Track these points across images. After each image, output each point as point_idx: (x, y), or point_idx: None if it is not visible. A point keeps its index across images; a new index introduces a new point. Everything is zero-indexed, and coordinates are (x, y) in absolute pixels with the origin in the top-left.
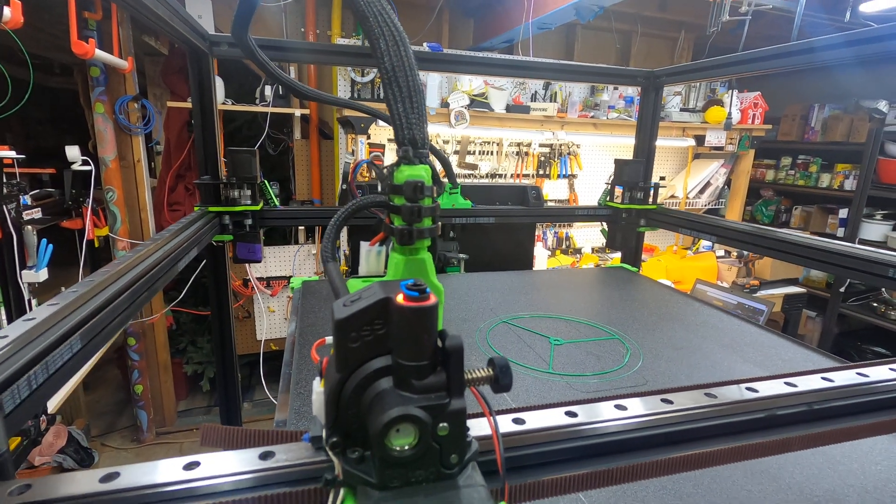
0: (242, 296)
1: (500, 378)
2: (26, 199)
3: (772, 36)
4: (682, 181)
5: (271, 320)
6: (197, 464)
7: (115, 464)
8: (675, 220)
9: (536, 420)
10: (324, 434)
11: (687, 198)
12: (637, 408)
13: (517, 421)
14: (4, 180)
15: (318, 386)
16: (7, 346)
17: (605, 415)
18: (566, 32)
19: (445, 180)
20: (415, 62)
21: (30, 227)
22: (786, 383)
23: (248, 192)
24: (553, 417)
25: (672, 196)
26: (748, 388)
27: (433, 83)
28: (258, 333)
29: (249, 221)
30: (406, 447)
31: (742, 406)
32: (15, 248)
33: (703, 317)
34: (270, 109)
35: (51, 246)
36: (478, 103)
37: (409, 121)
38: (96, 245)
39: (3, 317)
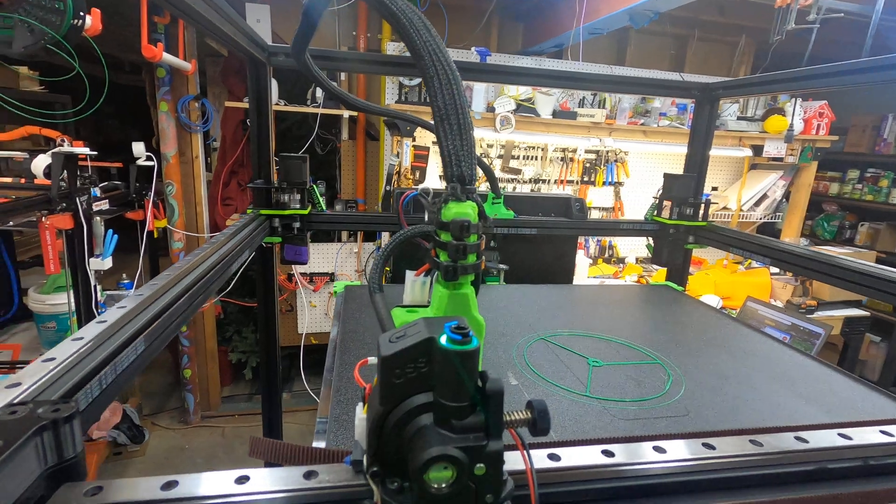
0: (286, 290)
1: (539, 422)
2: (96, 191)
3: (842, 41)
4: (737, 193)
5: (313, 315)
6: (247, 478)
7: (164, 443)
8: (726, 239)
9: (572, 457)
10: (364, 461)
11: (741, 210)
12: (677, 451)
13: (552, 457)
14: (77, 173)
15: (360, 412)
16: (84, 346)
17: (644, 456)
18: (618, 37)
19: (487, 188)
20: (466, 101)
21: (98, 217)
22: (840, 434)
23: (298, 197)
24: (589, 455)
25: (724, 208)
26: (797, 438)
27: (479, 87)
28: (300, 327)
29: (297, 225)
30: (444, 484)
31: (790, 456)
32: (85, 237)
33: (753, 344)
34: (321, 111)
35: (116, 236)
36: (524, 108)
37: (459, 158)
38: (155, 235)
39: (72, 300)
